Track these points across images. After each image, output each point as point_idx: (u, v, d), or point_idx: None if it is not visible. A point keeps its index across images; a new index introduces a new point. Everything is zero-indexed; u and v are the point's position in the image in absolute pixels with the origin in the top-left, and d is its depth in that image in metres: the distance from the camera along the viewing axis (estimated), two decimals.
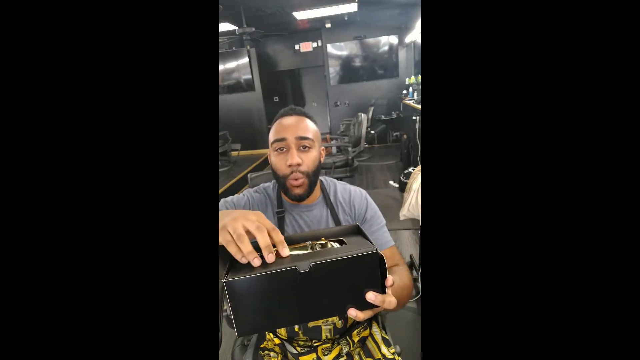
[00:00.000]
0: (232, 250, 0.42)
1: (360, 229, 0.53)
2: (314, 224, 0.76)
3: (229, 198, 0.77)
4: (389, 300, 0.43)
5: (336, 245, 0.49)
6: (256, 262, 0.41)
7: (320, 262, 0.41)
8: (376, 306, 0.43)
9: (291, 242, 0.49)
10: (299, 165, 0.68)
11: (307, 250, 0.47)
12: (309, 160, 0.70)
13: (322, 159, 0.75)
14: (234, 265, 0.43)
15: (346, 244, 0.48)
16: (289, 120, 0.71)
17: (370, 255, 0.42)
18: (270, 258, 0.41)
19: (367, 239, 0.48)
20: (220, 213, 0.47)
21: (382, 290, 0.44)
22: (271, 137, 0.71)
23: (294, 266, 0.40)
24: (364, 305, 0.43)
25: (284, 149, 0.69)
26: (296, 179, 0.69)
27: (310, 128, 0.71)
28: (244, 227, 0.42)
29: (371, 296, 0.42)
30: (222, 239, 0.42)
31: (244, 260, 0.41)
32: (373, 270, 0.43)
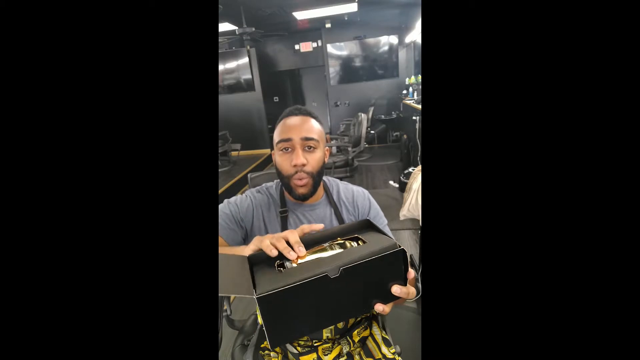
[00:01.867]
0: (264, 245, 0.46)
1: (372, 222, 0.54)
2: (317, 223, 0.76)
3: (232, 199, 0.76)
4: (411, 291, 0.46)
5: (354, 244, 0.49)
6: (292, 254, 0.44)
7: (350, 265, 0.41)
8: (398, 298, 0.45)
9: (308, 245, 0.49)
10: (304, 165, 0.68)
11: (327, 252, 0.47)
12: (313, 160, 0.70)
13: (326, 159, 0.76)
14: (259, 279, 0.43)
15: (364, 241, 0.48)
16: (294, 120, 0.71)
17: (397, 252, 0.44)
18: (301, 251, 0.45)
19: (383, 232, 0.49)
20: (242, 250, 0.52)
21: (404, 282, 0.45)
22: (276, 137, 0.71)
23: (325, 273, 0.40)
24: (388, 298, 0.45)
25: (289, 149, 0.69)
26: (300, 179, 0.69)
27: (315, 128, 0.71)
28: (273, 237, 0.47)
29: (397, 289, 0.44)
30: (260, 243, 0.47)
31: (274, 253, 0.45)
32: (398, 265, 0.45)
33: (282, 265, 0.46)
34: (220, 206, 0.75)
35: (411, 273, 0.46)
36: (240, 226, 0.72)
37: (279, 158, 0.71)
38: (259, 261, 0.48)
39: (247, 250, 0.50)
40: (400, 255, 0.44)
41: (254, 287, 0.41)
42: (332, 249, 0.48)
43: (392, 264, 0.44)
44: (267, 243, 0.46)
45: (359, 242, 0.49)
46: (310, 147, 0.69)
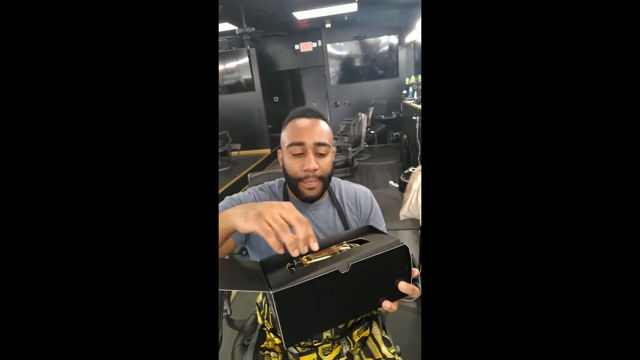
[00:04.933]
0: (271, 241, 0.42)
1: (374, 227, 0.55)
2: (320, 222, 0.76)
3: (235, 196, 0.76)
4: (416, 288, 0.46)
5: (358, 245, 0.50)
6: (296, 252, 0.42)
7: (358, 261, 0.43)
8: (405, 295, 0.46)
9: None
10: (315, 170, 0.68)
11: (334, 254, 0.48)
12: (324, 164, 0.70)
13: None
14: (272, 277, 0.43)
15: (368, 242, 0.49)
16: (306, 122, 0.69)
17: (401, 248, 0.45)
18: (315, 247, 0.43)
19: (385, 233, 0.51)
20: (244, 206, 0.48)
21: (409, 279, 0.46)
22: (287, 139, 0.70)
23: (335, 268, 0.41)
24: (395, 296, 0.46)
25: (301, 153, 0.69)
26: (311, 182, 0.69)
27: (325, 132, 0.70)
28: (281, 217, 0.43)
29: (404, 285, 0.45)
30: (260, 228, 0.42)
31: (281, 251, 0.42)
32: (404, 262, 0.46)
33: (293, 266, 0.47)
34: (222, 203, 0.73)
35: (415, 272, 0.47)
36: None
37: (289, 161, 0.70)
38: (271, 261, 0.49)
39: (236, 221, 0.46)
40: (404, 250, 0.45)
41: (269, 284, 0.41)
42: (340, 252, 0.49)
43: (397, 260, 0.45)
44: (267, 228, 0.42)
45: (364, 243, 0.50)
46: (321, 153, 0.69)
